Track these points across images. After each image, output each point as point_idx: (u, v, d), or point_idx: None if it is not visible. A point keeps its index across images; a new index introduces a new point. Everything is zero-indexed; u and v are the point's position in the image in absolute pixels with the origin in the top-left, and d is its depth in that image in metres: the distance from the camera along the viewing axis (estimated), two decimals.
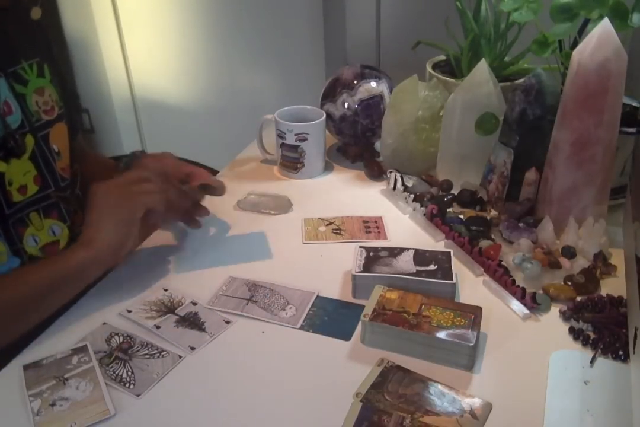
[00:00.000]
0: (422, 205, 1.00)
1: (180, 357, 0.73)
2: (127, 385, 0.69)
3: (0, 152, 0.80)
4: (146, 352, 0.74)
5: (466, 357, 0.71)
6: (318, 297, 0.82)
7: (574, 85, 0.83)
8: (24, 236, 0.85)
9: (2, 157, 0.81)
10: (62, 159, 0.91)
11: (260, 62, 1.91)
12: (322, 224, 0.99)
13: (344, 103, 1.12)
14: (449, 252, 0.85)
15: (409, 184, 1.05)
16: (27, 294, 0.74)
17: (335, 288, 0.85)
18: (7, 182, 0.82)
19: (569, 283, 0.83)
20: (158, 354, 0.74)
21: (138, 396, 0.68)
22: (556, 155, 0.89)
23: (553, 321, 0.79)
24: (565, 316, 0.78)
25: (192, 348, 0.75)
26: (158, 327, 0.78)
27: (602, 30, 0.80)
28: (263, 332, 0.77)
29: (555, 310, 0.80)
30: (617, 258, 0.87)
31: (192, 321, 0.79)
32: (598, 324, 0.76)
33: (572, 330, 0.76)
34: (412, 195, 1.02)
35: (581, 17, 0.88)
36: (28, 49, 0.88)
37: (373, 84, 1.12)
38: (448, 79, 1.10)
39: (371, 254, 0.85)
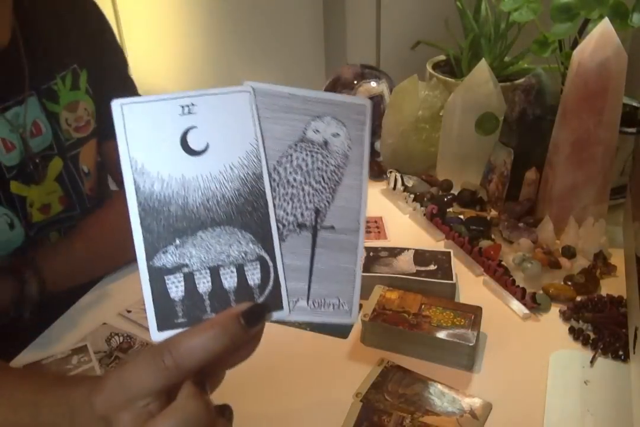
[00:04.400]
0: (422, 205, 1.00)
1: None
2: None
3: (19, 177, 0.77)
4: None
5: (466, 357, 0.71)
6: None
7: (574, 85, 0.83)
8: None
9: (23, 182, 0.78)
10: (91, 178, 0.88)
11: (260, 62, 1.91)
12: None
13: None
14: (449, 252, 0.85)
15: (409, 184, 1.05)
16: None
17: None
18: (28, 204, 0.79)
19: (569, 283, 0.83)
20: None
21: None
22: (556, 155, 0.89)
23: (553, 321, 0.79)
24: (565, 316, 0.78)
25: None
26: None
27: (602, 30, 0.80)
28: None
29: (555, 310, 0.80)
30: (617, 258, 0.87)
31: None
32: (598, 324, 0.76)
33: (572, 330, 0.76)
34: (412, 196, 1.02)
35: (581, 17, 0.88)
36: (64, 56, 0.82)
37: (373, 84, 1.12)
38: (448, 79, 1.10)
39: (371, 254, 0.85)
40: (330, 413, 0.65)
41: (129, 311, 0.80)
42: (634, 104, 0.95)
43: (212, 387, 0.44)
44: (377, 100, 1.11)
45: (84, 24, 0.86)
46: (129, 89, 0.94)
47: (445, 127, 1.03)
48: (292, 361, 0.73)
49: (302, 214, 0.43)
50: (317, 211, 0.43)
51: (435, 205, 0.97)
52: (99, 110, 0.87)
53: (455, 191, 1.04)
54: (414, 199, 1.01)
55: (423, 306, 0.75)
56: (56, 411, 0.43)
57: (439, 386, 0.68)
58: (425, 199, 1.02)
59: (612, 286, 0.83)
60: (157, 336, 0.40)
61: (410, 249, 0.86)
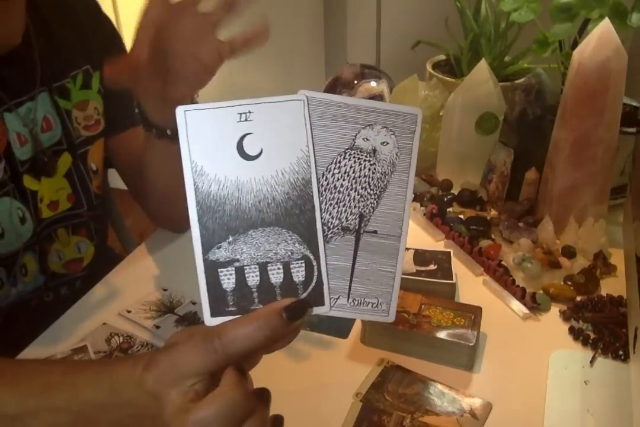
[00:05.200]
0: (422, 205, 1.00)
1: None
2: None
3: (31, 171, 0.78)
4: (146, 352, 0.74)
5: (466, 357, 0.71)
6: None
7: (574, 85, 0.83)
8: (49, 252, 0.84)
9: (34, 176, 0.79)
10: (98, 176, 0.89)
11: (260, 62, 1.91)
12: None
13: None
14: (449, 252, 0.85)
15: None
16: None
17: None
18: (38, 199, 0.80)
19: (569, 283, 0.83)
20: None
21: None
22: (556, 155, 0.89)
23: (553, 320, 0.79)
24: (565, 316, 0.78)
25: None
26: (158, 327, 0.78)
27: (603, 30, 0.80)
28: None
29: (555, 310, 0.80)
30: (617, 258, 0.87)
31: (192, 321, 0.79)
32: (598, 324, 0.76)
33: (572, 330, 0.76)
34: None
35: (581, 17, 0.88)
36: (77, 56, 0.84)
37: (373, 83, 1.12)
38: (448, 78, 1.10)
39: None
40: (330, 413, 0.65)
41: (129, 311, 0.80)
42: (634, 104, 0.95)
43: (248, 368, 0.46)
44: (377, 100, 1.11)
45: (100, 30, 0.89)
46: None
47: (445, 127, 1.03)
48: (292, 360, 0.73)
49: (346, 218, 0.45)
50: (361, 216, 0.45)
51: (435, 205, 0.97)
52: (108, 110, 0.88)
53: (455, 191, 1.04)
54: (414, 199, 1.01)
55: (423, 306, 0.75)
56: (96, 387, 0.45)
57: (439, 386, 0.68)
58: (425, 199, 1.02)
59: (612, 286, 0.83)
60: (210, 321, 0.44)
61: (410, 248, 0.86)
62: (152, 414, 0.42)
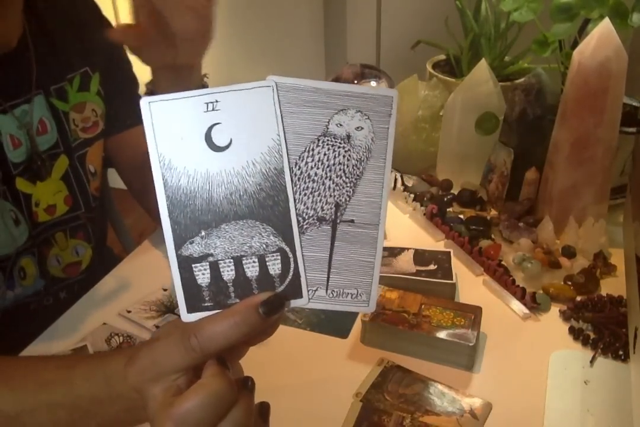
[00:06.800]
0: (422, 205, 1.00)
1: None
2: None
3: (25, 174, 0.78)
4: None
5: (466, 357, 0.71)
6: None
7: (574, 85, 0.83)
8: (48, 256, 0.84)
9: (28, 179, 0.79)
10: (97, 178, 0.89)
11: (260, 62, 1.91)
12: None
13: None
14: (449, 252, 0.85)
15: (409, 183, 1.05)
16: None
17: None
18: (33, 203, 0.80)
19: (569, 283, 0.83)
20: None
21: None
22: (556, 155, 0.89)
23: (553, 320, 0.79)
24: (565, 316, 0.78)
25: None
26: (158, 327, 0.78)
27: (603, 30, 0.80)
28: None
29: (555, 310, 0.80)
30: (617, 258, 0.87)
31: None
32: (598, 324, 0.76)
33: (572, 330, 0.76)
34: (412, 195, 1.02)
35: (581, 17, 0.88)
36: (75, 59, 0.84)
37: (373, 83, 1.12)
38: (448, 78, 1.10)
39: None
40: (330, 413, 0.65)
41: (129, 311, 0.80)
42: (634, 104, 0.95)
43: (234, 361, 0.46)
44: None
45: (100, 32, 0.88)
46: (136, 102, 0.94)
47: (445, 127, 1.03)
48: (292, 361, 0.73)
49: (322, 208, 0.44)
50: (337, 205, 0.44)
51: (435, 205, 0.97)
52: (109, 109, 0.88)
53: (455, 191, 1.04)
54: (414, 199, 1.01)
55: (423, 306, 0.75)
56: (91, 381, 0.45)
57: (439, 386, 0.68)
58: (425, 198, 1.02)
59: (612, 286, 0.83)
60: (187, 317, 0.43)
61: (410, 248, 0.86)
62: (143, 406, 0.43)
